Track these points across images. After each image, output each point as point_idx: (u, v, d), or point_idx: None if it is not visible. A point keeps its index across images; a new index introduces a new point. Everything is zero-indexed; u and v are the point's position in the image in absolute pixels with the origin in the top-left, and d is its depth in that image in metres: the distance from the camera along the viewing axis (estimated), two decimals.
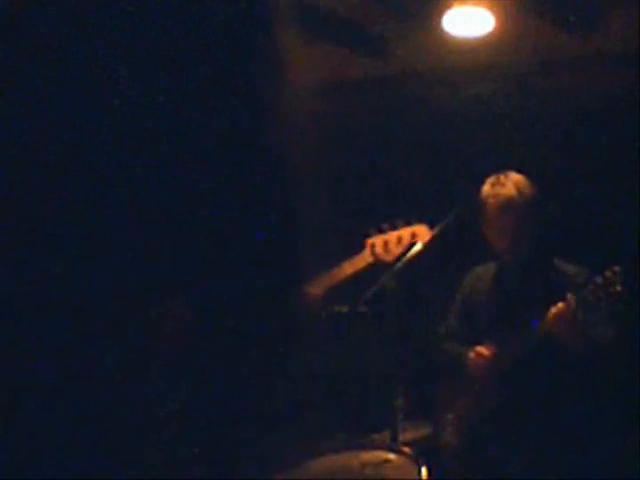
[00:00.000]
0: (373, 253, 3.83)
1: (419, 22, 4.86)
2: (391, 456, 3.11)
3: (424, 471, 2.93)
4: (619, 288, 3.45)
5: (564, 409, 3.62)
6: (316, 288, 3.87)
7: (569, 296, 3.47)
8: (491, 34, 4.81)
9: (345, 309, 3.90)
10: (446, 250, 3.93)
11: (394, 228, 3.83)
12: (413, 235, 3.78)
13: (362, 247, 3.88)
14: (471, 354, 3.73)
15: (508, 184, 3.74)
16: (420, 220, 3.81)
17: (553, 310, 3.48)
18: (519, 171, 3.85)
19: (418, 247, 3.79)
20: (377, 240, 3.83)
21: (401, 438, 3.60)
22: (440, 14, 4.65)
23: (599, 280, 3.46)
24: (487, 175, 3.86)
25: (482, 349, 3.69)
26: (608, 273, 3.47)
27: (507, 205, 3.72)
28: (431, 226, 3.83)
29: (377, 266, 3.85)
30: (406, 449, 3.13)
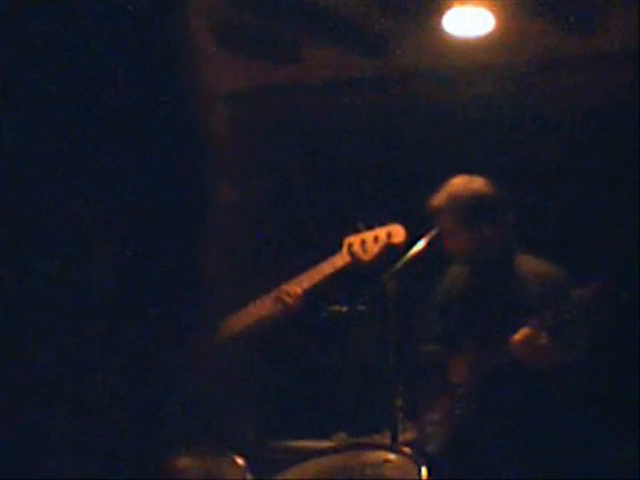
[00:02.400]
0: (351, 253, 3.81)
1: (419, 22, 4.86)
2: (391, 456, 3.10)
3: (424, 471, 2.92)
4: (595, 306, 3.43)
5: (547, 412, 3.60)
6: (295, 288, 3.86)
7: (535, 321, 3.42)
8: (491, 34, 4.81)
9: (345, 309, 3.90)
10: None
11: (370, 228, 3.83)
12: (389, 234, 3.79)
13: (339, 247, 3.87)
14: (451, 362, 3.69)
15: (440, 191, 3.73)
16: (395, 221, 3.81)
17: (516, 337, 3.44)
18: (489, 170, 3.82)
19: (419, 246, 3.78)
20: (354, 240, 3.82)
21: (401, 438, 3.59)
22: (440, 14, 4.65)
23: (575, 296, 3.44)
24: (487, 175, 3.85)
25: (462, 357, 3.66)
26: (584, 291, 3.45)
27: (434, 213, 3.73)
28: (427, 228, 3.83)
29: (355, 266, 3.83)
30: (406, 449, 3.12)
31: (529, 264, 3.70)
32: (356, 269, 3.84)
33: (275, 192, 5.46)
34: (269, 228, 5.01)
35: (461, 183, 3.71)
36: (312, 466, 3.18)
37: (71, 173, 0.51)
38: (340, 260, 3.83)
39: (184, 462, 3.35)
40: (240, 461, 3.13)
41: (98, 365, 0.53)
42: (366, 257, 3.79)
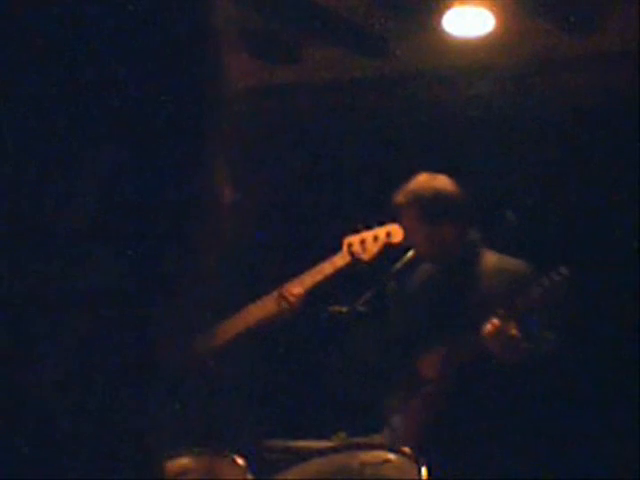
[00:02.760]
0: (350, 252, 3.85)
1: (419, 22, 4.86)
2: (391, 456, 3.10)
3: (424, 471, 2.92)
4: (563, 292, 3.44)
5: (517, 409, 3.60)
6: (296, 288, 3.89)
7: (501, 311, 3.43)
8: (491, 34, 4.81)
9: (345, 309, 3.91)
10: None
11: (369, 228, 3.86)
12: (388, 234, 3.82)
13: (339, 247, 3.91)
14: (421, 357, 3.67)
15: (403, 188, 3.73)
16: (393, 221, 3.84)
17: (486, 327, 3.44)
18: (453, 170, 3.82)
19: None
20: (354, 239, 3.86)
21: None
22: (440, 14, 4.65)
23: (545, 283, 3.44)
24: (487, 174, 3.85)
25: (432, 352, 3.64)
26: (554, 276, 3.45)
27: (396, 210, 3.73)
28: None
29: (355, 265, 3.86)
30: (406, 449, 3.12)
31: (493, 260, 3.71)
32: (356, 269, 3.85)
33: (275, 192, 5.46)
34: (269, 228, 5.01)
35: (423, 180, 3.72)
36: (312, 466, 3.18)
37: (70, 172, 0.51)
38: (340, 260, 3.86)
39: (184, 462, 3.36)
40: (240, 461, 3.13)
41: (97, 365, 0.53)
42: (366, 256, 3.82)
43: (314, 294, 3.89)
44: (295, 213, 5.67)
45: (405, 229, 3.75)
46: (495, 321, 3.42)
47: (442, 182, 3.70)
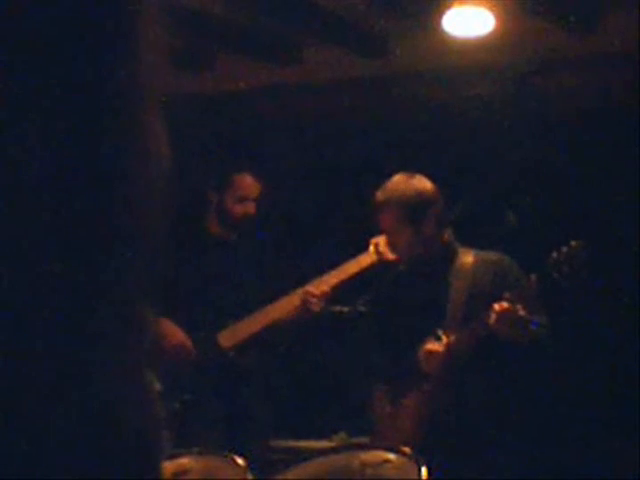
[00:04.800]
0: (377, 252, 3.87)
1: (419, 22, 4.86)
2: (391, 456, 3.10)
3: (424, 471, 2.92)
4: (580, 261, 3.50)
5: (517, 407, 3.61)
6: (321, 287, 3.92)
7: (508, 295, 3.47)
8: (491, 34, 4.81)
9: (345, 309, 3.91)
10: None
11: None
12: None
13: (366, 247, 3.92)
14: (421, 352, 3.63)
15: (383, 188, 3.73)
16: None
17: (496, 308, 3.46)
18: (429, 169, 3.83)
19: None
20: (381, 240, 3.87)
21: None
22: (440, 14, 4.64)
23: (555, 255, 3.49)
24: (487, 174, 3.86)
25: (433, 346, 3.61)
26: (564, 249, 3.51)
27: (376, 210, 3.74)
28: None
29: (381, 265, 3.88)
30: (406, 449, 3.12)
31: (473, 255, 3.73)
32: (381, 268, 3.88)
33: (274, 192, 5.46)
34: (268, 228, 5.01)
35: (402, 180, 3.73)
36: (312, 466, 3.18)
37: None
38: (367, 259, 3.89)
39: (184, 462, 3.36)
40: (240, 461, 3.13)
41: (97, 366, 0.53)
42: (392, 256, 3.84)
43: (337, 293, 3.93)
44: (294, 213, 5.67)
45: (385, 230, 3.76)
46: (504, 303, 3.46)
47: (421, 181, 3.73)
